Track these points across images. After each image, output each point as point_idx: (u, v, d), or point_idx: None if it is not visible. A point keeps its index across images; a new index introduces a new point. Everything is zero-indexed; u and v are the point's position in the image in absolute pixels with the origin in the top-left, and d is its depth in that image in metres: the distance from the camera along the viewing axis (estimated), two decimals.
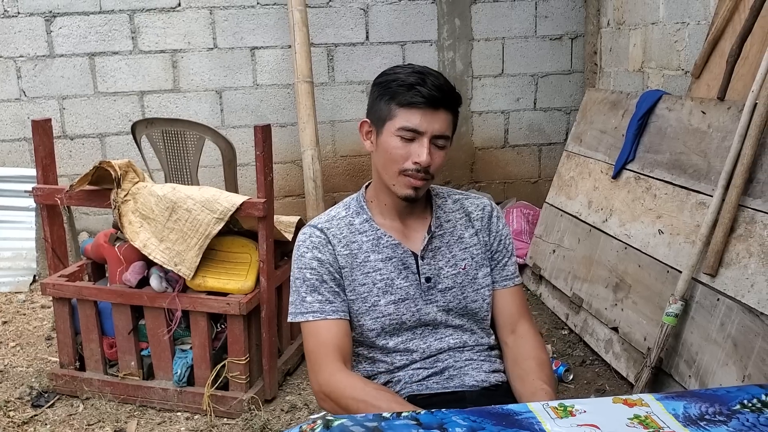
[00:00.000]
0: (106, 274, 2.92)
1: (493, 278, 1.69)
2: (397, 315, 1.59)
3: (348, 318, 1.59)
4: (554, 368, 2.97)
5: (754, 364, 2.24)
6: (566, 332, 3.45)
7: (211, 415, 2.71)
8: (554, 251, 3.73)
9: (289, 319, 1.62)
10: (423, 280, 1.61)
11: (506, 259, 1.71)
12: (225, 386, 2.77)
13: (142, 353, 2.85)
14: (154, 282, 2.71)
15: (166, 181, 3.35)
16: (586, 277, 3.35)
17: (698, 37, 3.41)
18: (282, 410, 2.78)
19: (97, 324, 2.84)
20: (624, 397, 1.16)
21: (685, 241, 2.69)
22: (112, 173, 2.66)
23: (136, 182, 2.74)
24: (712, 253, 2.48)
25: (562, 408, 1.14)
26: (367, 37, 4.64)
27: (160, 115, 4.49)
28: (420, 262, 1.62)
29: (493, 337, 1.71)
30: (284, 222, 2.95)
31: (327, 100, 4.66)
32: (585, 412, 1.13)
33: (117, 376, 2.86)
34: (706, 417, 1.13)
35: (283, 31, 4.49)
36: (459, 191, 1.77)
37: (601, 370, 3.07)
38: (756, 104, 2.44)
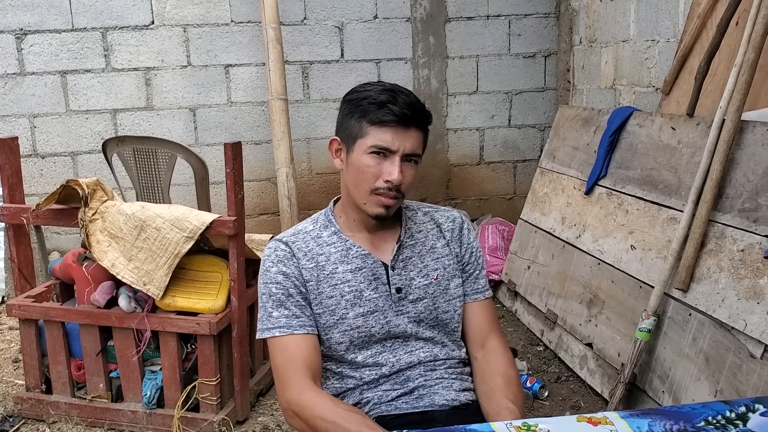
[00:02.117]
0: (76, 295, 2.87)
1: (465, 291, 1.68)
2: (366, 327, 1.57)
3: (316, 332, 1.57)
4: (529, 385, 2.96)
5: (726, 379, 2.24)
6: (541, 348, 3.44)
7: None
8: (529, 267, 3.73)
9: (257, 336, 1.59)
10: (393, 291, 1.59)
11: (477, 272, 1.70)
12: (195, 408, 2.72)
13: (111, 375, 2.80)
14: (123, 302, 2.67)
15: (137, 200, 3.31)
16: (560, 293, 3.35)
17: (668, 55, 3.44)
18: None
19: (64, 345, 2.79)
20: (588, 415, 1.14)
21: (657, 257, 2.70)
22: (80, 192, 2.62)
23: (105, 201, 2.70)
24: (683, 268, 2.49)
25: (526, 427, 1.12)
26: (342, 54, 4.65)
27: (133, 133, 4.44)
28: (390, 272, 1.60)
29: (464, 350, 1.70)
30: (256, 240, 2.92)
31: (302, 118, 4.65)
32: (549, 431, 1.12)
33: (85, 398, 2.81)
34: None
35: (257, 48, 4.49)
36: (428, 205, 1.76)
37: (576, 387, 3.06)
38: (724, 120, 2.47)
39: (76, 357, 2.83)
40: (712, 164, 2.47)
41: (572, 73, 4.68)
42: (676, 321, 2.51)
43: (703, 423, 1.14)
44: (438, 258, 1.65)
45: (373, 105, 1.50)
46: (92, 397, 2.79)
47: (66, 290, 2.93)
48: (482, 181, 5.02)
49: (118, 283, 2.72)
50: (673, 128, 2.84)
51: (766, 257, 2.17)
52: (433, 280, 1.63)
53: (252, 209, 4.69)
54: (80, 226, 2.66)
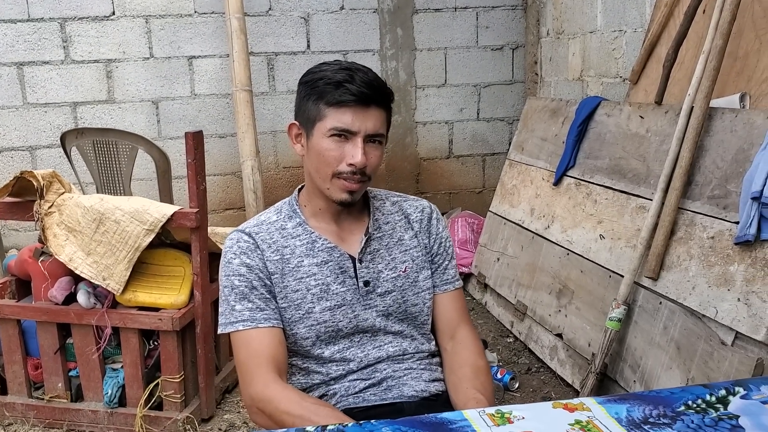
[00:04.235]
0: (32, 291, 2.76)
1: (434, 282, 1.63)
2: (333, 322, 1.51)
3: (281, 326, 1.51)
4: (500, 376, 2.93)
5: (697, 367, 2.22)
6: (511, 340, 3.42)
7: None
8: (498, 259, 3.71)
9: (219, 331, 1.52)
10: (361, 284, 1.53)
11: (446, 263, 1.65)
12: (159, 406, 2.64)
13: (70, 374, 2.71)
14: (82, 298, 2.57)
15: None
16: (529, 284, 3.33)
17: (635, 45, 3.44)
18: (219, 429, 2.66)
19: (20, 344, 2.69)
20: (565, 401, 1.10)
21: (626, 246, 2.68)
22: (35, 183, 2.52)
23: (62, 193, 2.61)
24: (653, 256, 2.48)
25: (500, 415, 1.08)
26: (308, 45, 4.57)
27: (94, 126, 4.32)
28: (358, 265, 1.54)
29: (434, 343, 1.65)
30: (220, 233, 2.84)
31: (268, 110, 4.57)
32: (523, 418, 1.07)
33: (43, 399, 2.71)
34: (650, 420, 1.08)
35: (221, 39, 4.39)
36: (397, 194, 1.70)
37: (547, 378, 3.04)
38: (692, 107, 2.46)
39: (33, 356, 2.73)
40: (681, 152, 2.46)
41: (540, 66, 4.67)
42: (646, 310, 2.50)
43: (683, 407, 1.11)
44: (406, 250, 1.60)
45: (330, 85, 1.43)
46: (50, 398, 2.69)
47: (22, 287, 2.81)
48: (452, 174, 4.98)
49: (77, 279, 2.63)
50: (641, 117, 2.82)
51: (736, 244, 2.16)
52: (401, 272, 1.57)
53: (217, 204, 4.60)
54: (36, 219, 2.56)
